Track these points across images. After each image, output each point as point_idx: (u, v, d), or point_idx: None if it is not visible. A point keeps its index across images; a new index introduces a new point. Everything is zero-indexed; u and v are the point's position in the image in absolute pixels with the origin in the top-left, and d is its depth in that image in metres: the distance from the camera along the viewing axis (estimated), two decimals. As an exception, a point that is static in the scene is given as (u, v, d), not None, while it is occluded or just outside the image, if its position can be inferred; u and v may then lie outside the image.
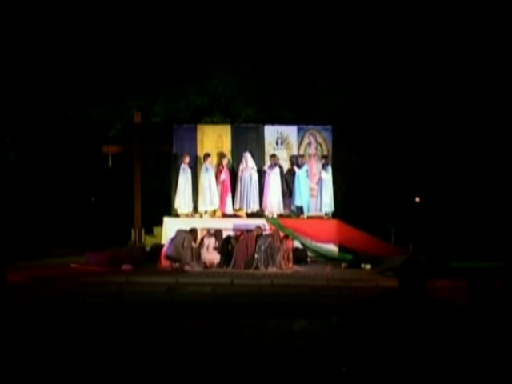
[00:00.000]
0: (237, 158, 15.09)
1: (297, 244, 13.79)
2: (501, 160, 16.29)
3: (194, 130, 15.42)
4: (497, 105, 16.34)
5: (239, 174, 14.79)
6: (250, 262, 12.39)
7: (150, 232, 15.37)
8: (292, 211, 14.82)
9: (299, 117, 16.21)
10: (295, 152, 15.26)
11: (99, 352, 6.09)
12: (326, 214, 14.80)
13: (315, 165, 15.28)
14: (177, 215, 14.67)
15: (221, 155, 15.10)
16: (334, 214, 14.83)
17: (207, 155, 14.74)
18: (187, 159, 14.69)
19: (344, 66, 16.64)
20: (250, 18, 16.64)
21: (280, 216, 14.56)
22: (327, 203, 14.72)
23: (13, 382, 5.34)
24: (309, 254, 13.80)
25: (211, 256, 12.65)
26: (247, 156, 14.78)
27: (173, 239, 12.64)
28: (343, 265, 13.08)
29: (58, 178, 17.10)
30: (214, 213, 14.75)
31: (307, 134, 15.42)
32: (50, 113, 16.78)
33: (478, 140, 16.37)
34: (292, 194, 14.77)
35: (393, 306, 4.60)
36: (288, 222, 14.23)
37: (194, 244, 12.69)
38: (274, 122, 15.73)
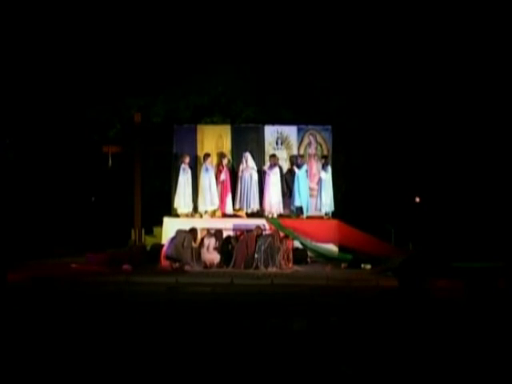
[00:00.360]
0: (237, 158, 15.10)
1: (297, 244, 13.79)
2: (501, 160, 16.29)
3: (194, 131, 15.44)
4: (497, 105, 16.34)
5: (239, 174, 14.80)
6: (250, 262, 12.41)
7: (150, 232, 15.37)
8: (292, 211, 14.83)
9: (299, 117, 16.20)
10: (295, 152, 15.27)
11: (99, 352, 6.09)
12: (325, 214, 14.81)
13: (315, 165, 15.30)
14: (177, 215, 14.68)
15: (221, 155, 15.11)
16: (334, 214, 14.83)
17: (207, 155, 14.75)
18: (187, 159, 14.70)
19: (344, 66, 16.64)
20: (250, 18, 16.64)
21: (280, 216, 14.57)
22: (327, 203, 14.73)
23: (13, 381, 5.34)
24: (309, 254, 13.81)
25: (211, 256, 12.66)
26: (247, 156, 14.79)
27: (173, 239, 12.66)
28: (343, 265, 13.09)
29: (58, 178, 17.09)
30: (213, 213, 14.76)
31: (307, 134, 15.44)
32: (50, 113, 16.77)
33: (478, 140, 16.37)
34: (292, 194, 14.78)
35: (393, 305, 4.62)
36: (288, 222, 14.24)
37: (194, 244, 12.71)
38: (274, 122, 15.74)
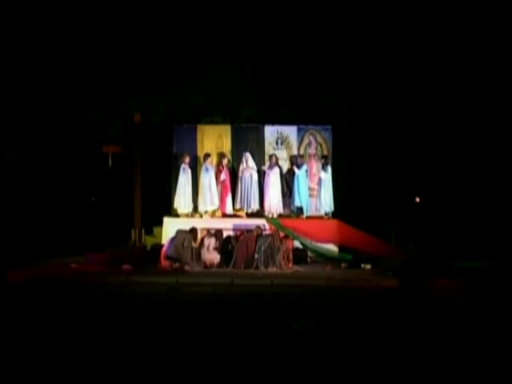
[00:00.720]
0: (237, 158, 15.12)
1: (297, 244, 13.79)
2: (501, 160, 16.29)
3: (194, 130, 15.45)
4: (497, 105, 16.34)
5: (239, 174, 14.81)
6: (250, 262, 12.42)
7: (150, 232, 15.36)
8: (292, 211, 14.83)
9: (299, 117, 16.21)
10: (295, 152, 15.28)
11: (99, 352, 6.09)
12: (326, 214, 14.81)
13: (315, 165, 15.31)
14: (177, 215, 14.68)
15: (221, 155, 15.12)
16: (334, 214, 14.83)
17: (207, 155, 14.76)
18: (187, 159, 14.71)
19: (344, 66, 16.63)
20: (249, 18, 16.64)
21: (280, 216, 14.57)
22: (327, 203, 14.74)
23: (13, 381, 5.34)
24: (309, 253, 13.81)
25: (211, 256, 12.67)
26: (247, 156, 14.81)
27: (173, 239, 12.66)
28: (343, 265, 13.09)
29: (59, 178, 17.09)
30: (213, 213, 14.76)
31: (307, 133, 15.45)
32: (51, 113, 16.78)
33: (478, 140, 16.37)
34: (291, 194, 14.78)
35: (393, 305, 4.62)
36: (288, 222, 14.24)
37: (194, 244, 12.72)
38: (274, 122, 15.75)
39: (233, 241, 12.93)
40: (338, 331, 6.93)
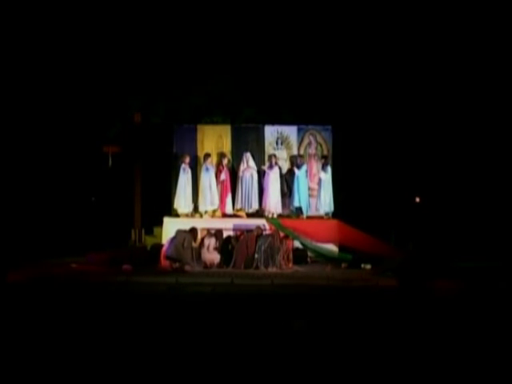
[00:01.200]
0: (237, 158, 15.13)
1: (297, 244, 13.80)
2: (501, 160, 16.29)
3: (194, 131, 15.47)
4: (497, 105, 16.34)
5: (240, 174, 14.82)
6: (250, 262, 12.43)
7: (150, 232, 15.37)
8: (291, 211, 14.84)
9: (299, 117, 16.21)
10: (295, 152, 15.29)
11: (99, 352, 6.09)
12: (325, 214, 14.81)
13: (315, 165, 15.32)
14: (177, 215, 14.68)
15: (221, 155, 15.13)
16: (334, 214, 14.83)
17: (207, 155, 14.77)
18: (187, 159, 14.72)
19: (344, 66, 16.64)
20: (249, 18, 16.64)
21: (280, 216, 14.57)
22: (327, 203, 14.74)
23: (13, 381, 5.34)
24: (309, 253, 13.81)
25: (211, 256, 12.68)
26: (248, 156, 14.82)
27: (173, 239, 12.67)
28: (343, 265, 13.11)
29: (58, 178, 17.09)
30: (213, 213, 14.76)
31: (307, 134, 15.46)
32: (51, 113, 16.78)
33: (478, 140, 16.37)
34: (291, 194, 14.79)
35: (393, 305, 4.63)
36: (288, 222, 14.24)
37: (194, 244, 12.72)
38: (274, 122, 15.75)
39: (233, 241, 12.95)
40: (337, 331, 6.94)
